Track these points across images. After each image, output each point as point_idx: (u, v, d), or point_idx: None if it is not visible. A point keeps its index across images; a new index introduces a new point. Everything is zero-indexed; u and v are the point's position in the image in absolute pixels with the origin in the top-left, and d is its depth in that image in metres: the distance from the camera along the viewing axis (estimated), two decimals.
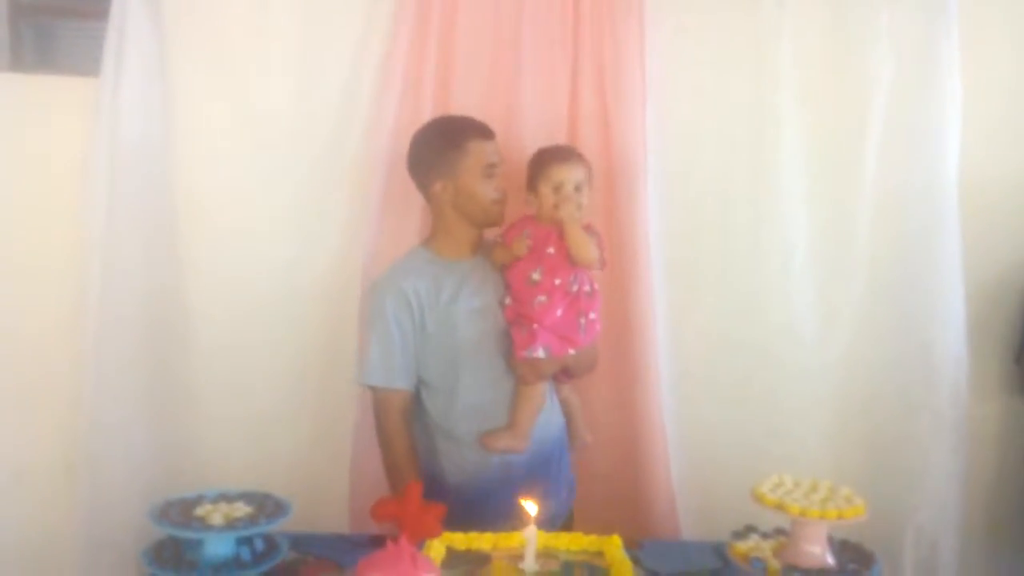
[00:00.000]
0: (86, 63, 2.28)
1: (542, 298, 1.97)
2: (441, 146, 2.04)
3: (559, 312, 1.97)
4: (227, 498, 1.77)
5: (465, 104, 2.25)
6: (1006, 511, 2.50)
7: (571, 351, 1.98)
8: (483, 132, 2.05)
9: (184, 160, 2.32)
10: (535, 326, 1.95)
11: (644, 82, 2.29)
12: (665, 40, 2.31)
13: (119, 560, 2.17)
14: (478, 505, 1.97)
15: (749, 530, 1.78)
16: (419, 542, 1.48)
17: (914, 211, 2.36)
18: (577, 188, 2.00)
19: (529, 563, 1.65)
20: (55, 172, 2.32)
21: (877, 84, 2.33)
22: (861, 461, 2.37)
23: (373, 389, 2.04)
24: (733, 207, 2.37)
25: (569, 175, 2.00)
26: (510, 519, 1.87)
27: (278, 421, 2.36)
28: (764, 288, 2.37)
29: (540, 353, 1.95)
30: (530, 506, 1.69)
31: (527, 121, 2.28)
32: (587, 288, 2.01)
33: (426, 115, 2.23)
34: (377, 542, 1.93)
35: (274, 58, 2.30)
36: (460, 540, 1.75)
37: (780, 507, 1.65)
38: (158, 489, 2.19)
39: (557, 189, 1.99)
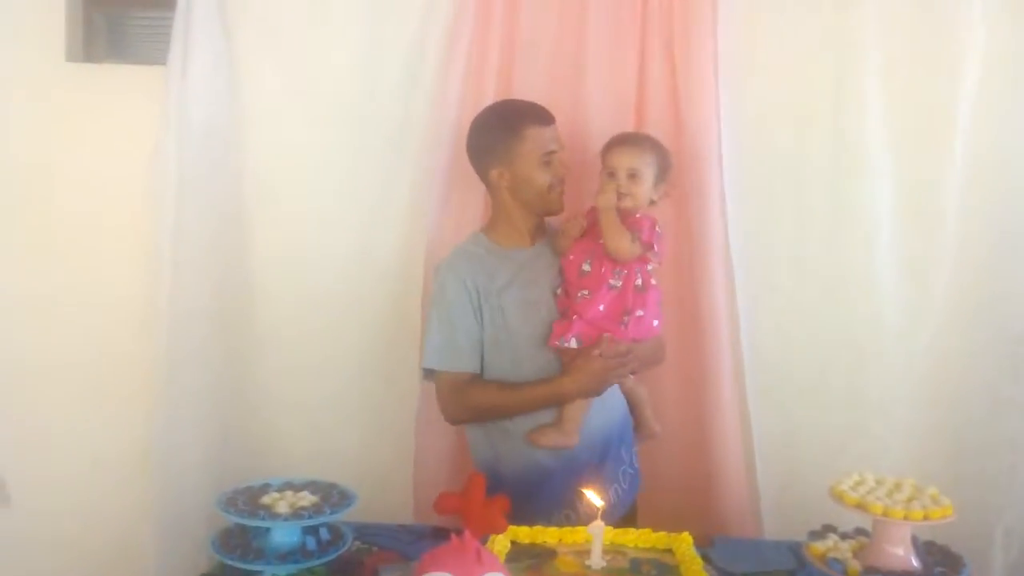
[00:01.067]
0: (156, 52, 2.31)
1: (585, 292, 1.92)
2: (498, 132, 2.01)
3: (601, 307, 1.92)
4: (293, 487, 1.76)
5: (528, 85, 2.21)
6: None
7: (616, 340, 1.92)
8: (542, 118, 2.00)
9: (251, 146, 2.32)
10: (574, 316, 1.91)
11: (716, 60, 2.20)
12: (739, 15, 2.22)
13: (192, 547, 2.19)
14: (534, 496, 1.94)
15: (827, 530, 1.70)
16: (483, 536, 1.44)
17: (1005, 194, 2.22)
18: (632, 175, 1.93)
19: (596, 559, 1.61)
20: (127, 161, 2.34)
21: (966, 58, 2.19)
22: (946, 459, 2.25)
23: (435, 373, 2.01)
24: (811, 191, 2.26)
25: (622, 160, 1.93)
26: (566, 510, 1.89)
27: (343, 409, 2.35)
28: (845, 276, 2.26)
29: (572, 343, 1.91)
30: (595, 498, 1.64)
31: (592, 103, 2.23)
32: (638, 282, 1.94)
33: (489, 96, 2.21)
34: (440, 534, 1.91)
35: (337, 43, 2.29)
36: (525, 534, 1.72)
37: (861, 506, 1.57)
38: (227, 478, 2.21)
39: (611, 175, 1.94)
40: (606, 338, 1.90)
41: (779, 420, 2.29)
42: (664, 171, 1.98)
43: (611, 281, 1.91)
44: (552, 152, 1.99)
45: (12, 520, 2.49)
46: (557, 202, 2.03)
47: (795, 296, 2.29)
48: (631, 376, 2.08)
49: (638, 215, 1.94)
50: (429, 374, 2.03)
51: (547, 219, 2.10)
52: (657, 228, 1.97)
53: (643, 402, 2.13)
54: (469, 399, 1.98)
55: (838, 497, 1.62)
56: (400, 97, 2.28)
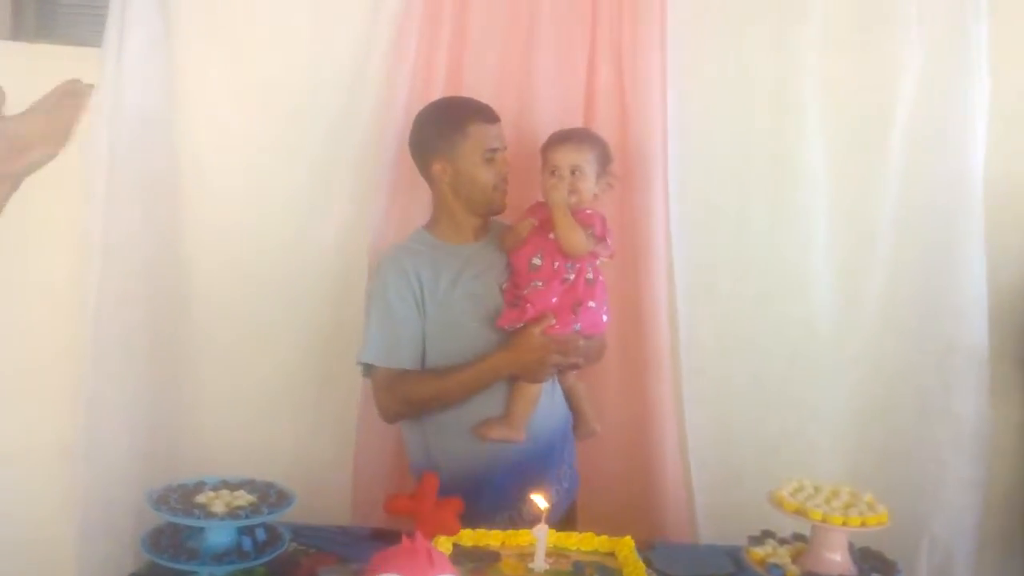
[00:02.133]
0: (89, 33, 2.24)
1: (538, 283, 1.92)
2: (442, 126, 1.99)
3: (554, 299, 1.91)
4: (229, 486, 1.71)
5: (478, 83, 2.20)
6: (1021, 517, 2.44)
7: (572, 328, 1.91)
8: (486, 115, 2.00)
9: (188, 133, 2.27)
10: (528, 305, 1.90)
11: (664, 64, 2.22)
12: (686, 20, 2.24)
13: (117, 547, 2.13)
14: (477, 497, 1.88)
15: (766, 535, 1.72)
16: (434, 538, 1.42)
17: (938, 205, 2.28)
18: (575, 172, 1.92)
19: (539, 562, 1.60)
20: None
21: (904, 72, 2.25)
22: (876, 465, 2.31)
23: (373, 369, 1.97)
24: (751, 196, 2.30)
25: (564, 158, 1.93)
26: (507, 510, 1.88)
27: (279, 405, 2.31)
28: (781, 282, 2.30)
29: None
30: (540, 501, 1.63)
31: (541, 102, 2.23)
32: (588, 276, 1.94)
33: (437, 93, 2.19)
34: (380, 536, 1.89)
35: (282, 28, 2.25)
36: (468, 536, 1.69)
37: (801, 513, 1.60)
38: (157, 475, 2.14)
39: (554, 172, 1.94)
40: (548, 315, 1.89)
41: (715, 422, 2.31)
42: (604, 164, 1.99)
43: (566, 275, 1.91)
44: (495, 150, 1.98)
45: None
46: (499, 202, 2.02)
47: (732, 299, 2.32)
48: (572, 372, 2.07)
49: (588, 211, 1.95)
50: (367, 370, 1.99)
51: (492, 218, 2.09)
52: (607, 223, 1.97)
53: (583, 399, 2.12)
54: (404, 390, 1.93)
55: (778, 503, 1.64)
56: (345, 88, 2.25)
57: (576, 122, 2.20)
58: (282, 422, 2.30)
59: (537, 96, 2.23)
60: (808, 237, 2.29)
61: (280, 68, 2.25)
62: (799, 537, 1.73)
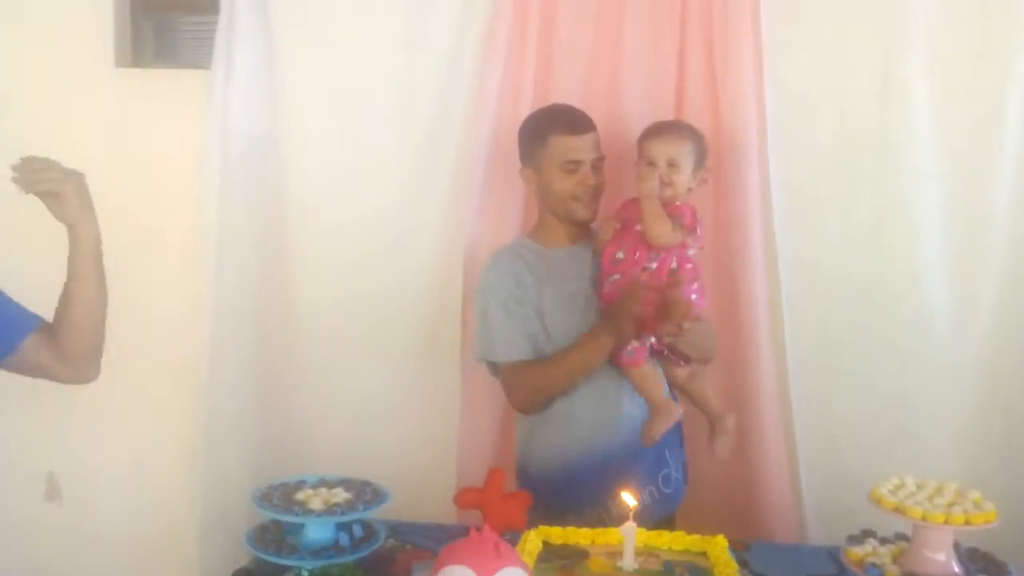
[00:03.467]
0: (202, 56, 2.34)
1: (616, 276, 1.91)
2: (528, 135, 2.05)
3: None
4: (327, 484, 1.77)
5: (566, 85, 2.21)
6: None
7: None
8: (570, 127, 2.00)
9: (292, 148, 2.35)
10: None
11: (758, 50, 2.16)
12: (780, 4, 2.17)
13: (231, 543, 2.20)
14: (566, 492, 1.93)
15: (866, 535, 1.66)
16: (503, 531, 1.43)
17: None
18: (671, 164, 1.90)
19: (628, 561, 1.59)
20: (173, 165, 2.40)
21: (1016, 52, 2.13)
22: (995, 466, 2.20)
23: (498, 367, 1.99)
24: (856, 187, 2.22)
25: (661, 150, 1.91)
26: (598, 507, 1.88)
27: (383, 410, 2.37)
28: (891, 276, 2.21)
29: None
30: (629, 499, 1.62)
31: (630, 96, 2.21)
32: (673, 265, 1.91)
33: (527, 97, 2.21)
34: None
35: (376, 45, 2.30)
36: (557, 534, 1.70)
37: (900, 511, 1.53)
38: (267, 475, 2.21)
39: (650, 164, 1.92)
40: (636, 276, 1.89)
41: (823, 423, 2.25)
42: (701, 158, 1.96)
43: (646, 265, 1.90)
44: (577, 162, 1.98)
45: (63, 517, 2.55)
46: (580, 211, 2.01)
47: (839, 295, 2.24)
48: (683, 367, 2.01)
49: (678, 203, 1.93)
50: (493, 368, 2.02)
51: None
52: (698, 215, 1.95)
53: (707, 395, 2.04)
54: (527, 379, 1.96)
55: (876, 500, 1.58)
56: (438, 98, 2.29)
57: (667, 114, 2.17)
58: (385, 426, 2.36)
59: (627, 93, 2.21)
60: (917, 232, 2.20)
61: (375, 82, 2.31)
62: (902, 537, 1.66)
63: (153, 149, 2.42)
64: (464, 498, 1.47)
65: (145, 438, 2.50)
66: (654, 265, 1.90)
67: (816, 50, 2.20)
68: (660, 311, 1.84)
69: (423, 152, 2.31)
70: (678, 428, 2.07)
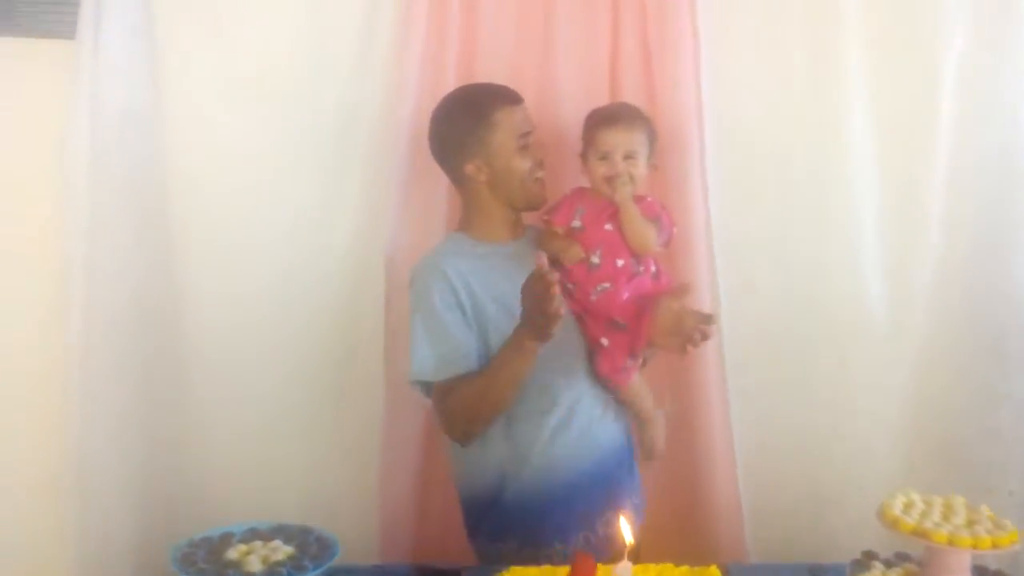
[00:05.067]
0: (62, 24, 2.02)
1: (605, 285, 1.75)
2: (467, 121, 1.83)
3: (625, 295, 1.75)
4: (259, 535, 1.51)
5: (493, 65, 2.03)
6: None
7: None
8: (510, 97, 1.83)
9: (175, 132, 2.07)
10: (604, 341, 1.75)
11: (694, 36, 2.04)
12: None
13: None
14: (543, 517, 1.77)
15: (869, 557, 1.56)
16: None
17: (989, 190, 2.13)
18: (628, 156, 1.77)
19: None
20: (28, 149, 2.08)
21: (950, 33, 2.08)
22: (935, 459, 2.16)
23: (429, 386, 1.79)
24: (792, 176, 2.13)
25: (616, 141, 1.77)
26: (584, 531, 1.75)
27: (292, 429, 2.12)
28: (827, 275, 2.14)
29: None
30: (626, 531, 1.44)
31: (562, 77, 2.06)
32: (653, 269, 1.80)
33: (450, 81, 2.01)
34: (425, 573, 1.72)
35: (275, 16, 2.06)
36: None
37: (921, 534, 1.43)
38: (156, 509, 2.04)
39: (605, 158, 1.76)
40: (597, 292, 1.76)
41: (761, 424, 2.16)
42: (653, 145, 1.84)
43: (634, 271, 1.77)
44: (528, 134, 1.83)
45: None
46: (539, 193, 1.85)
47: (776, 295, 2.16)
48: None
49: (648, 199, 1.81)
50: (425, 389, 1.80)
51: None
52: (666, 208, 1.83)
53: (642, 394, 1.91)
54: (453, 400, 1.75)
55: (892, 523, 1.47)
56: (349, 81, 2.07)
57: (601, 99, 2.02)
58: (294, 446, 2.12)
59: (558, 70, 2.06)
60: (856, 224, 2.13)
61: (275, 56, 2.06)
62: (903, 557, 1.58)
63: (4, 132, 2.08)
64: None
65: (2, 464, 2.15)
66: (641, 269, 1.75)
67: (751, 34, 2.10)
68: (660, 322, 1.69)
69: (332, 142, 2.08)
70: (629, 439, 1.94)
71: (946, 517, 1.47)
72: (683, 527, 2.11)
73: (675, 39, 2.04)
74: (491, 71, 1.99)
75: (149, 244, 2.07)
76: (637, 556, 1.66)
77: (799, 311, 2.15)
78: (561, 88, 2.04)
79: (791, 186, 2.13)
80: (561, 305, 1.56)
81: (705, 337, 1.71)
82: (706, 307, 2.04)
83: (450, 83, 1.99)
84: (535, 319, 1.60)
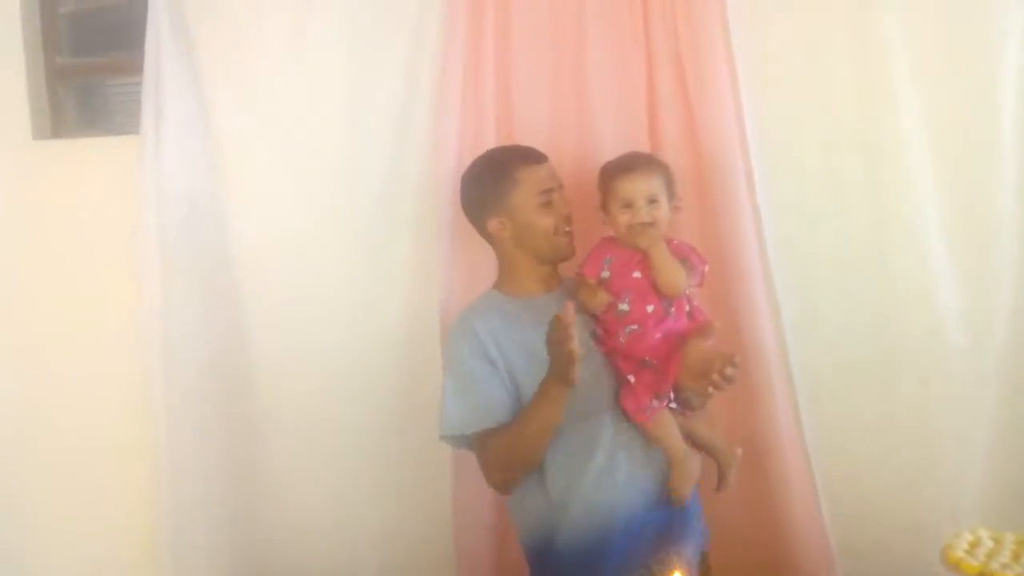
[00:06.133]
0: (129, 121, 2.18)
1: (634, 327, 1.74)
2: (490, 180, 1.86)
3: (659, 336, 1.74)
4: None
5: (530, 120, 2.06)
6: None
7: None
8: (531, 157, 1.86)
9: (235, 211, 2.18)
10: (631, 378, 1.74)
11: (731, 65, 2.02)
12: (749, 16, 2.03)
13: None
14: (598, 558, 1.75)
15: None
16: None
17: None
18: (651, 201, 1.75)
19: None
20: (107, 239, 2.21)
21: (1005, 45, 1.99)
22: None
23: (466, 440, 1.81)
24: (848, 200, 2.08)
25: (637, 188, 1.76)
26: (640, 571, 1.73)
27: (364, 485, 2.18)
28: (897, 296, 2.06)
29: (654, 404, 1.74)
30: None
31: (600, 125, 2.06)
32: (687, 309, 1.78)
33: (489, 138, 2.05)
34: None
35: (319, 94, 2.14)
36: None
37: None
38: (245, 569, 2.14)
39: (628, 206, 1.76)
40: (627, 334, 1.75)
41: (842, 456, 2.09)
42: (672, 187, 1.82)
43: (668, 311, 1.75)
44: (550, 191, 1.84)
45: None
46: (566, 246, 1.86)
47: (844, 320, 2.10)
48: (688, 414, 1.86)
49: (675, 241, 1.80)
50: (461, 442, 1.83)
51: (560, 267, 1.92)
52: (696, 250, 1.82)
53: (706, 434, 1.89)
54: (491, 450, 1.78)
55: (954, 566, 1.39)
56: (391, 148, 2.13)
57: (642, 145, 2.02)
58: (370, 502, 2.18)
59: (596, 123, 2.06)
60: (920, 243, 2.05)
61: (321, 134, 2.14)
62: None
63: (83, 223, 2.24)
64: None
65: (100, 538, 2.27)
66: (673, 311, 1.75)
67: (792, 59, 2.07)
68: (688, 363, 1.68)
69: (380, 207, 2.15)
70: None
71: (1017, 557, 1.38)
72: (763, 553, 2.06)
73: (712, 75, 2.01)
74: (528, 129, 2.03)
75: (220, 319, 2.16)
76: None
77: (869, 336, 2.09)
78: (600, 139, 2.04)
79: (848, 208, 2.08)
80: (578, 347, 1.58)
81: (728, 380, 1.67)
82: (769, 335, 2.02)
83: (489, 143, 2.02)
84: (557, 363, 1.63)
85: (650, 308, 1.73)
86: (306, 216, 2.15)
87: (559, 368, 1.63)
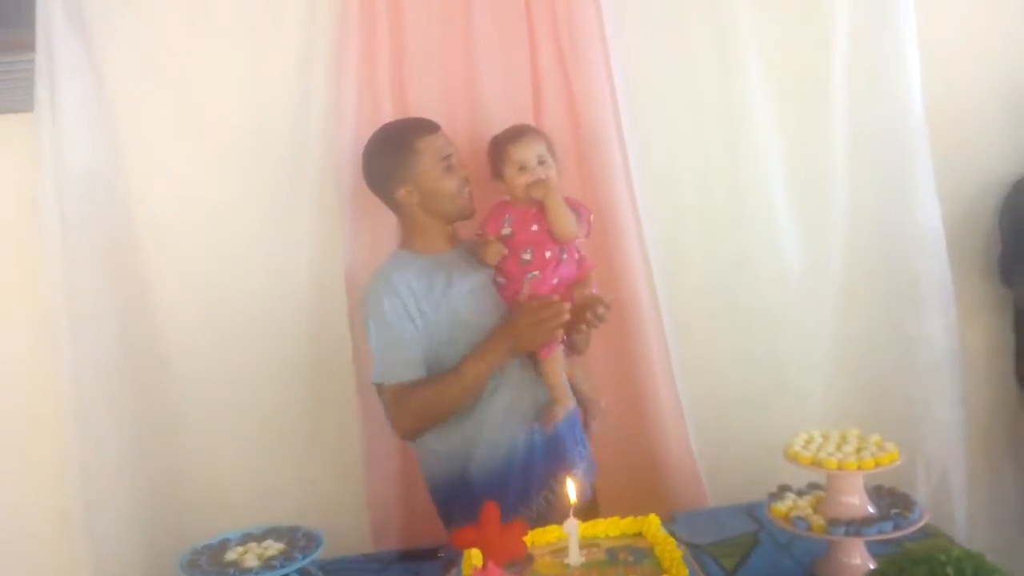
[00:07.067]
0: (19, 99, 2.14)
1: (535, 272, 1.96)
2: (391, 153, 2.01)
3: (555, 280, 1.96)
4: (254, 537, 1.71)
5: (423, 93, 2.20)
6: (1000, 429, 2.59)
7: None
8: (428, 127, 2.02)
9: (139, 185, 2.21)
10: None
11: (604, 43, 2.23)
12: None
13: None
14: (510, 485, 1.96)
15: (783, 490, 1.78)
16: (506, 564, 1.43)
17: (886, 145, 2.37)
18: (541, 162, 1.98)
19: (574, 556, 1.60)
20: (4, 217, 2.20)
21: (835, 22, 2.31)
22: (864, 401, 2.41)
23: (383, 388, 1.97)
24: (711, 167, 2.35)
25: (528, 151, 1.98)
26: (544, 491, 1.95)
27: (279, 444, 2.28)
28: (750, 245, 2.37)
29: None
30: (571, 491, 1.64)
31: (489, 99, 2.22)
32: (576, 257, 2.01)
33: (385, 109, 2.18)
34: (410, 556, 1.92)
35: (218, 65, 2.19)
36: None
37: (817, 464, 1.65)
38: (164, 533, 2.17)
39: (523, 168, 1.98)
40: (528, 280, 1.95)
41: (706, 387, 2.37)
42: (553, 152, 2.04)
43: (560, 259, 1.97)
44: (449, 156, 2.01)
45: None
46: (468, 205, 2.04)
47: (707, 270, 2.38)
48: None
49: (565, 196, 2.00)
50: (380, 391, 2.00)
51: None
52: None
53: (581, 382, 2.14)
54: (413, 401, 1.93)
55: (793, 458, 1.69)
56: (293, 117, 2.22)
57: (527, 113, 2.21)
58: (283, 460, 2.28)
59: (484, 94, 2.22)
60: (769, 195, 2.35)
61: (223, 102, 2.20)
62: (814, 486, 1.79)
63: None
64: (461, 538, 1.46)
65: (16, 505, 2.27)
66: (565, 256, 1.97)
67: (659, 39, 2.31)
68: (579, 306, 1.91)
69: (285, 176, 2.23)
70: (575, 409, 2.11)
71: (839, 447, 1.69)
72: (643, 484, 2.30)
73: (588, 52, 2.21)
74: (421, 101, 2.17)
75: (126, 291, 2.20)
76: (597, 513, 1.88)
77: (728, 283, 2.38)
78: (489, 108, 2.21)
79: (711, 171, 2.36)
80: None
81: (600, 319, 1.94)
82: (642, 284, 2.26)
83: (385, 114, 2.15)
84: (532, 338, 1.89)
85: (548, 254, 1.95)
86: (210, 187, 2.21)
87: (531, 342, 1.89)
